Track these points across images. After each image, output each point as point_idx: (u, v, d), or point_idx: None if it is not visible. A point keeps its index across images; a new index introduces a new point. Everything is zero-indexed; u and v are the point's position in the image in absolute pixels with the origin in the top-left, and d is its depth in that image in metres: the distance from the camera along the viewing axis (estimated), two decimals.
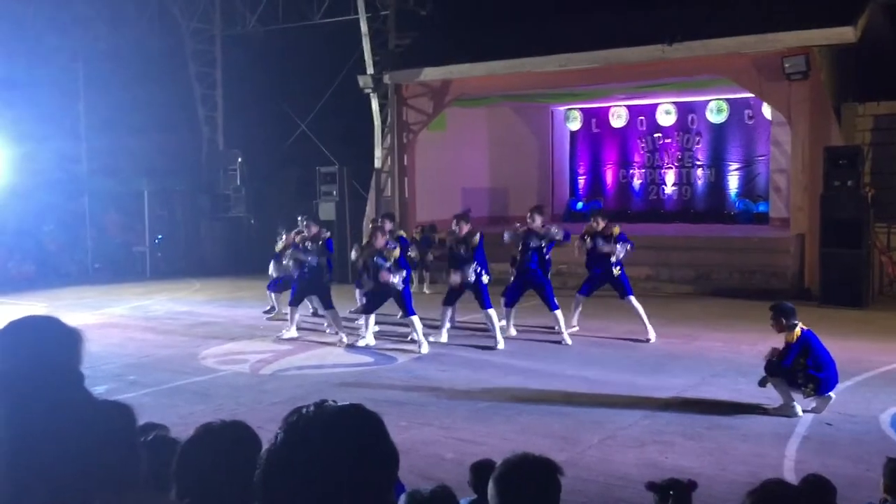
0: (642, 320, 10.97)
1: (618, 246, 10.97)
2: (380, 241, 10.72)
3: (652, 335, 10.92)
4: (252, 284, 16.69)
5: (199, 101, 21.96)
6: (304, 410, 1.39)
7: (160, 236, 20.75)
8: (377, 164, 19.03)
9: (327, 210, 18.12)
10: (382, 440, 1.39)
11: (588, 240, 11.19)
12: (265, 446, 1.39)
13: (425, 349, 10.50)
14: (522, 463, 2.64)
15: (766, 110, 18.08)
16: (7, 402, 1.63)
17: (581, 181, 22.32)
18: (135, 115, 19.13)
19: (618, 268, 11.05)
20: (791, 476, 5.78)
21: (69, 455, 1.61)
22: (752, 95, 16.83)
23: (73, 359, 1.75)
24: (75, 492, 1.61)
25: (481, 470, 3.90)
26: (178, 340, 11.76)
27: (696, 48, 14.92)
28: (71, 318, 1.84)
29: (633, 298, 11.06)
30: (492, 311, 10.88)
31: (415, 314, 10.64)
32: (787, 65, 14.21)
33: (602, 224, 11.20)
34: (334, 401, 1.45)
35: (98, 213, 20.04)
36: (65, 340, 1.75)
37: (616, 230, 11.17)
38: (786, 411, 7.51)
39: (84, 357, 1.81)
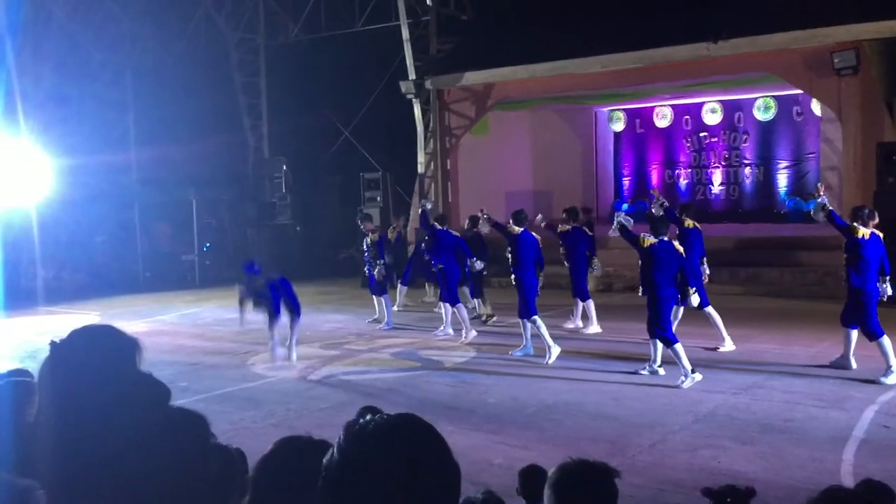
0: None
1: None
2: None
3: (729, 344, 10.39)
4: (298, 290, 16.76)
5: (244, 110, 22.25)
6: (360, 421, 1.34)
7: (208, 244, 21.03)
8: (420, 169, 19.08)
9: (372, 215, 18.18)
10: (445, 456, 1.33)
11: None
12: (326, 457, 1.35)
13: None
14: (579, 469, 2.59)
15: (816, 106, 17.73)
16: (75, 415, 1.61)
17: (626, 182, 22.12)
18: (182, 126, 19.45)
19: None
20: (849, 481, 5.62)
21: (141, 469, 1.58)
22: (801, 92, 16.51)
23: (135, 367, 1.74)
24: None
25: (529, 476, 3.86)
26: (227, 347, 11.91)
27: (742, 45, 14.69)
28: (123, 326, 1.83)
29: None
30: (537, 319, 10.34)
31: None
32: (836, 60, 13.92)
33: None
34: (380, 414, 1.40)
35: (148, 223, 20.41)
36: (125, 349, 1.74)
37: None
38: None
39: (142, 366, 1.81)
